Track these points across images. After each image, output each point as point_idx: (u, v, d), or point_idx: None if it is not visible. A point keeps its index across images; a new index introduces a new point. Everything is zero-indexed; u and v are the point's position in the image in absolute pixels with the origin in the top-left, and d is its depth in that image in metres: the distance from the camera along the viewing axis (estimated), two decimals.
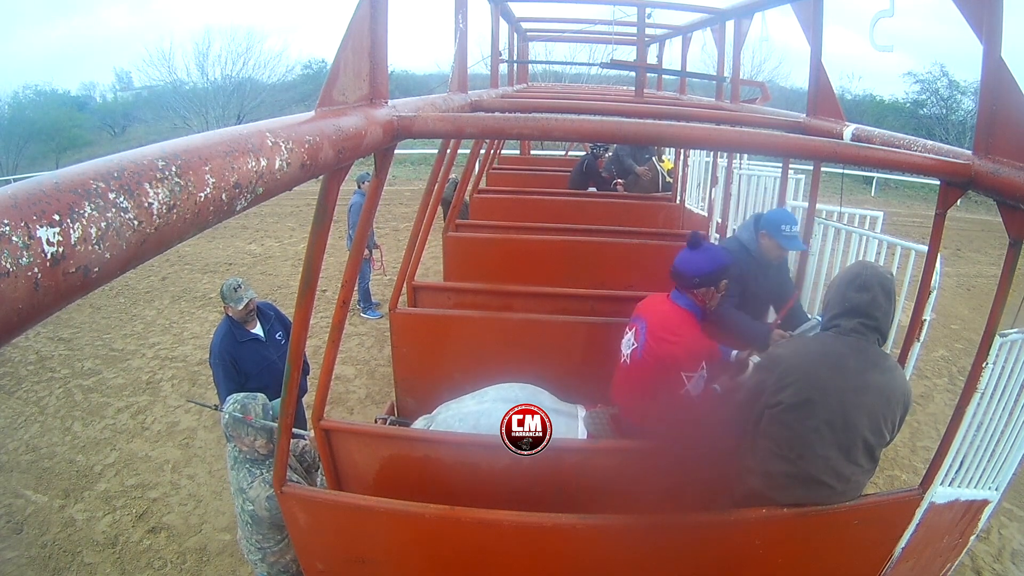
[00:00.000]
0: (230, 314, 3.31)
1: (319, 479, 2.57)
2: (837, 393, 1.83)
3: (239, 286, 3.28)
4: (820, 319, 2.44)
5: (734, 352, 2.59)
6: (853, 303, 1.88)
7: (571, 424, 2.53)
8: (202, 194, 0.67)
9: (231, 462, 2.42)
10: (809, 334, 2.42)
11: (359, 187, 6.63)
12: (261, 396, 2.42)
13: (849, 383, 1.84)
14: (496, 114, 2.25)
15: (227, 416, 2.34)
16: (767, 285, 2.95)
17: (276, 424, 2.27)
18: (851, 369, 1.84)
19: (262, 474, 2.34)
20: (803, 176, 4.35)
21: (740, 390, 2.09)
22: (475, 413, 2.51)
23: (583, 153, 8.14)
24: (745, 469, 2.03)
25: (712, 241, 4.61)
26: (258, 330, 3.40)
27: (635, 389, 2.44)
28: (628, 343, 2.49)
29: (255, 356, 3.32)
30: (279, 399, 2.38)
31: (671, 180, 6.64)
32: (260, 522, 2.37)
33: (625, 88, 6.30)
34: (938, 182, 1.77)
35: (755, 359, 2.55)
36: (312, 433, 2.49)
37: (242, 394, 2.42)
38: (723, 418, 2.19)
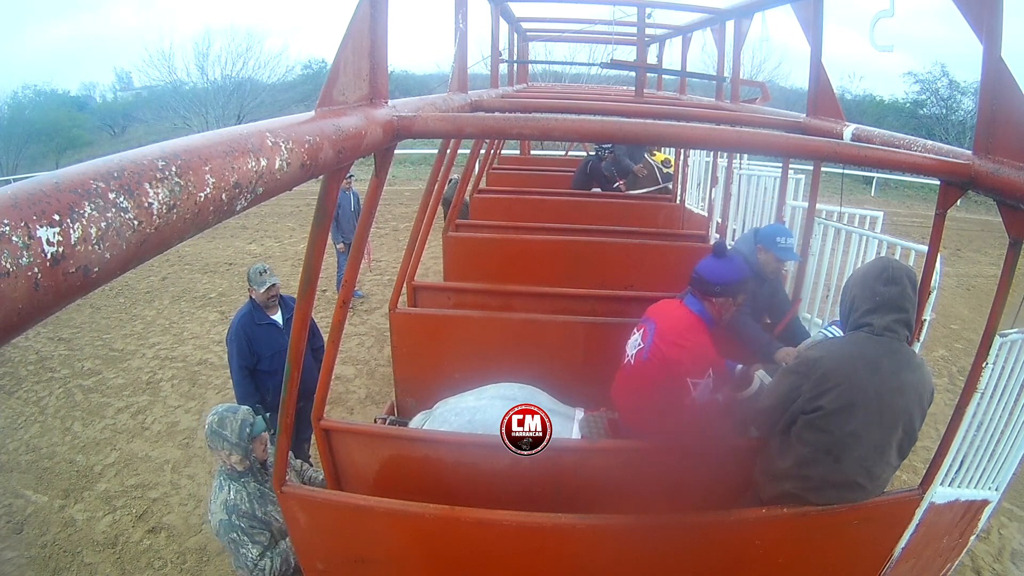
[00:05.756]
0: (253, 296, 3.48)
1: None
2: (876, 396, 1.83)
3: (265, 271, 3.48)
4: (823, 334, 2.44)
5: (739, 366, 2.58)
6: (884, 297, 1.85)
7: (566, 425, 2.54)
8: (202, 194, 0.67)
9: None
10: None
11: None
12: (244, 410, 2.33)
13: (886, 385, 1.82)
14: (496, 114, 2.24)
15: (206, 426, 2.31)
16: (762, 300, 3.02)
17: (252, 445, 2.29)
18: (887, 371, 1.83)
19: (228, 494, 2.27)
20: (803, 176, 4.35)
21: (766, 396, 2.08)
22: (472, 408, 2.54)
23: (583, 153, 8.15)
24: (776, 473, 2.02)
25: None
26: (277, 317, 3.54)
27: (638, 391, 2.38)
28: (635, 344, 2.42)
29: (269, 340, 3.45)
30: (266, 415, 2.36)
31: (668, 170, 6.71)
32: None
33: (625, 88, 6.30)
34: (938, 182, 1.77)
35: (760, 374, 2.57)
36: (322, 475, 2.49)
37: (224, 406, 2.35)
38: (723, 428, 2.19)
